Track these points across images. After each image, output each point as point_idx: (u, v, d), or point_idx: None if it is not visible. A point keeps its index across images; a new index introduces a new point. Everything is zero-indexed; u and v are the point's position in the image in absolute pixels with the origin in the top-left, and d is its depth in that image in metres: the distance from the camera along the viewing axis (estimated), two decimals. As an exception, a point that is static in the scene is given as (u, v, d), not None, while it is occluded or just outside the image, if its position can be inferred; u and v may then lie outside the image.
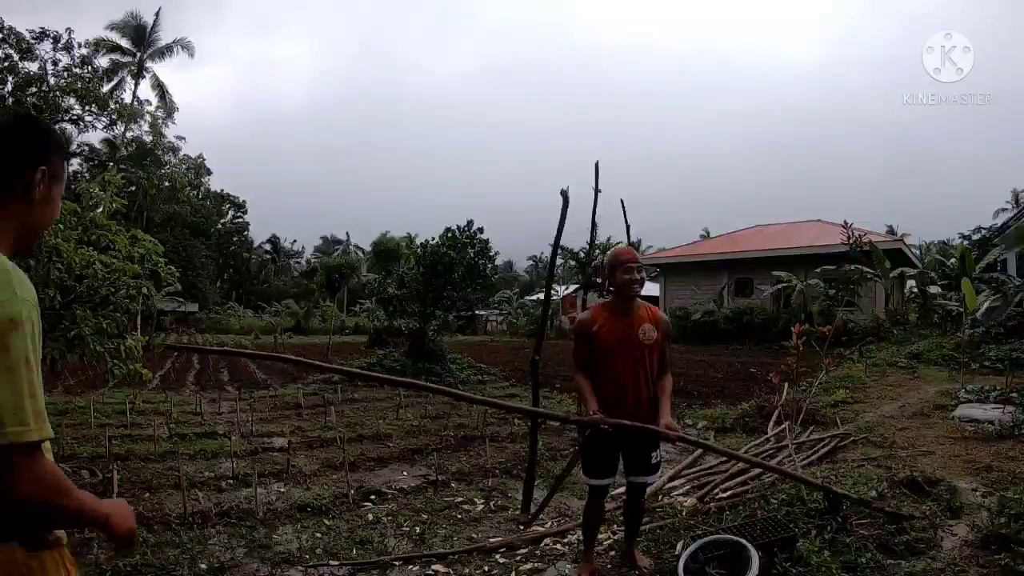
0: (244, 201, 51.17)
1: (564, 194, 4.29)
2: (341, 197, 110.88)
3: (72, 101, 22.94)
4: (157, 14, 33.88)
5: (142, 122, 33.24)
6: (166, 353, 20.00)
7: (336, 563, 3.52)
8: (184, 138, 38.70)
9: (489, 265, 14.33)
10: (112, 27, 32.91)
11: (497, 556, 3.66)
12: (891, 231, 34.67)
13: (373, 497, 4.80)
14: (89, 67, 23.92)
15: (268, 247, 58.95)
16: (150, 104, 34.39)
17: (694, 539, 3.25)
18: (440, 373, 12.61)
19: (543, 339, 4.70)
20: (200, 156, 41.40)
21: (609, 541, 3.84)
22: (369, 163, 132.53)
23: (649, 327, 3.18)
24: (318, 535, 3.95)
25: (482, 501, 4.75)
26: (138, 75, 33.52)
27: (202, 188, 44.54)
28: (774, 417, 6.63)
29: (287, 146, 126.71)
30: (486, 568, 3.51)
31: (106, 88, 28.95)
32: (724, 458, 5.28)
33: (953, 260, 21.95)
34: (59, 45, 22.29)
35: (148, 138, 35.37)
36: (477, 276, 13.96)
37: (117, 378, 5.36)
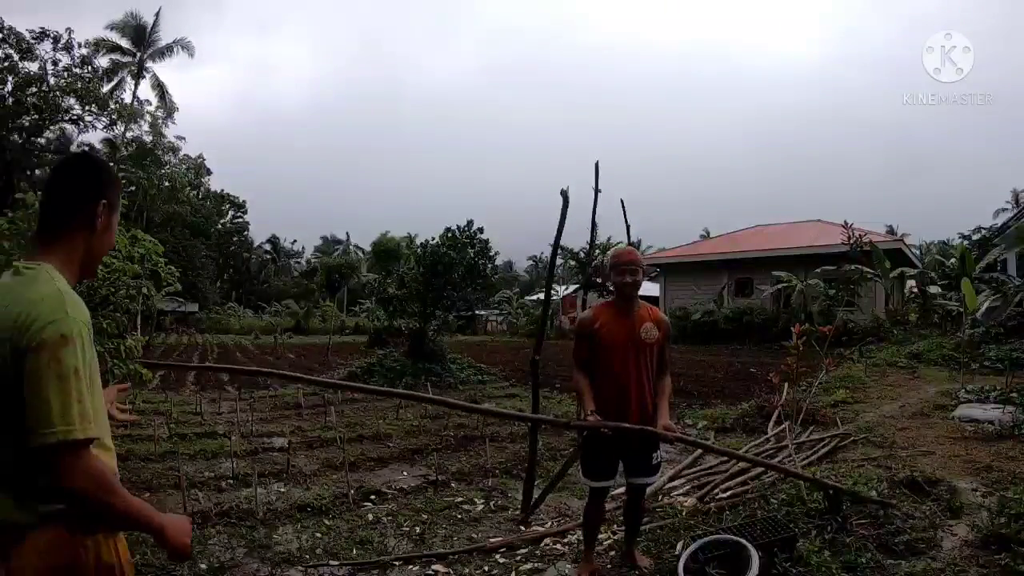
0: (244, 201, 51.24)
1: (564, 194, 4.29)
2: (341, 197, 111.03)
3: (72, 101, 22.95)
4: (157, 14, 33.93)
5: (142, 122, 33.25)
6: (166, 353, 20.02)
7: (336, 563, 3.52)
8: (184, 138, 38.73)
9: (489, 265, 14.32)
10: (112, 27, 32.95)
11: (497, 556, 3.66)
12: (891, 231, 34.66)
13: (373, 497, 4.80)
14: (89, 67, 23.95)
15: (268, 247, 58.96)
16: (150, 104, 34.43)
17: (694, 539, 3.25)
18: (440, 373, 12.61)
19: (543, 339, 4.70)
20: (200, 156, 41.42)
21: (609, 541, 3.84)
22: (369, 163, 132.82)
23: (650, 326, 3.19)
24: (318, 535, 3.95)
25: (482, 501, 4.74)
26: (138, 75, 33.53)
27: (202, 188, 44.56)
28: (774, 417, 6.62)
29: (287, 146, 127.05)
30: (486, 568, 3.51)
31: (106, 88, 28.97)
32: (724, 458, 5.28)
33: (953, 260, 21.96)
34: (59, 45, 22.32)
35: (148, 138, 35.36)
36: (477, 276, 13.95)
37: (117, 378, 5.35)
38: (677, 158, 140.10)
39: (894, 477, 4.57)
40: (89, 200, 1.41)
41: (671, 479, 4.90)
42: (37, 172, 28.79)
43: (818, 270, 19.75)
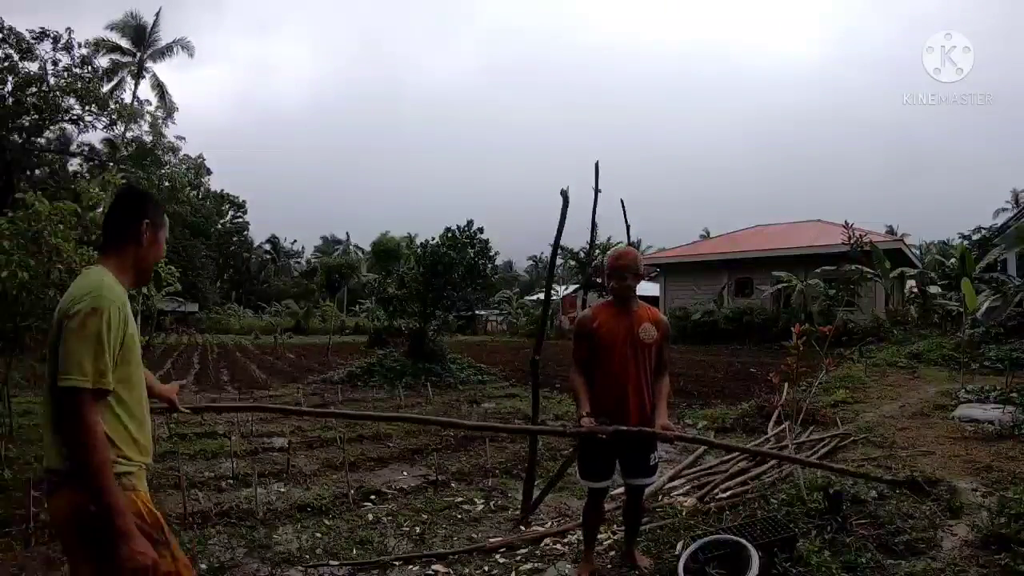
0: (244, 201, 51.23)
1: (564, 194, 4.29)
2: (341, 197, 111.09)
3: (72, 101, 22.90)
4: (157, 14, 33.87)
5: (142, 122, 33.14)
6: (166, 352, 20.01)
7: (336, 563, 3.52)
8: (184, 138, 38.56)
9: (489, 265, 14.31)
10: (112, 27, 32.88)
11: (497, 556, 3.66)
12: (891, 231, 34.66)
13: (373, 497, 4.80)
14: (89, 67, 23.88)
15: (268, 247, 58.97)
16: (150, 104, 34.30)
17: (694, 539, 3.25)
18: (440, 373, 12.61)
19: (543, 339, 4.69)
20: (200, 156, 41.27)
21: (609, 541, 3.84)
22: (369, 163, 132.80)
23: (649, 327, 3.18)
24: (318, 535, 3.95)
25: (482, 501, 4.74)
26: (138, 75, 33.50)
27: (202, 188, 44.45)
28: (774, 417, 6.63)
29: (287, 146, 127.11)
30: (486, 568, 3.51)
31: (106, 88, 28.94)
32: (724, 458, 5.28)
33: (953, 260, 21.97)
34: (59, 45, 22.25)
35: (148, 138, 35.29)
36: (477, 276, 13.95)
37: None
38: (677, 158, 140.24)
39: (894, 477, 4.57)
40: (134, 220, 1.81)
41: (671, 479, 4.90)
42: (37, 172, 28.77)
43: (818, 270, 19.75)
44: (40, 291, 5.22)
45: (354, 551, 3.69)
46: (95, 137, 30.94)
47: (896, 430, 6.71)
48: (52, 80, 22.34)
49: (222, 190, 48.76)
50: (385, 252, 42.73)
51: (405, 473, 5.56)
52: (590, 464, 3.23)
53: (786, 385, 6.75)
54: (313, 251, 62.02)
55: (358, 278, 48.19)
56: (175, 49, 34.30)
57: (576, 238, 31.09)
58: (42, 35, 22.13)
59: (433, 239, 14.07)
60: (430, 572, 3.46)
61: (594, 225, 4.91)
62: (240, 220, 52.60)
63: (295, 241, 64.25)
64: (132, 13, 33.32)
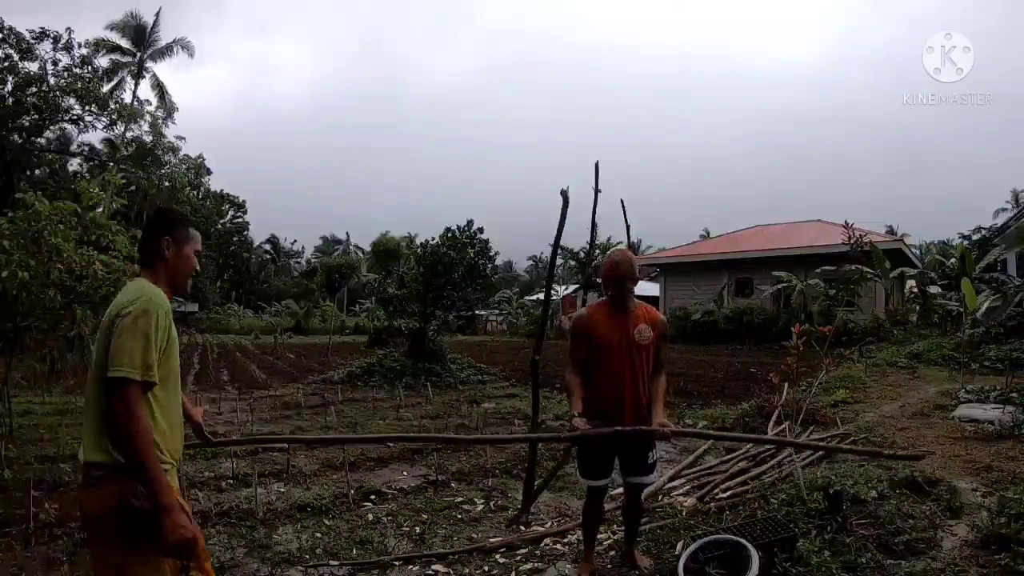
0: (244, 201, 51.15)
1: (564, 194, 4.29)
2: (341, 197, 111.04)
3: (72, 101, 22.92)
4: (157, 14, 33.83)
5: (142, 122, 33.15)
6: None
7: (336, 563, 3.52)
8: (184, 138, 38.60)
9: (489, 265, 14.31)
10: (112, 27, 32.85)
11: (497, 556, 3.66)
12: (891, 231, 34.67)
13: (373, 497, 4.80)
14: (89, 67, 23.90)
15: (268, 247, 58.91)
16: (150, 104, 34.31)
17: (694, 539, 3.25)
18: (440, 373, 12.61)
19: (543, 339, 4.69)
20: (200, 156, 41.30)
21: (609, 541, 3.84)
22: (369, 163, 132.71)
23: (645, 327, 3.17)
24: (318, 535, 3.95)
25: (482, 501, 4.74)
26: (138, 75, 33.47)
27: (202, 188, 44.43)
28: (774, 417, 6.62)
29: (287, 146, 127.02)
30: (486, 568, 3.51)
31: (106, 88, 28.93)
32: (724, 458, 5.28)
33: (953, 260, 21.97)
34: (59, 45, 22.27)
35: (148, 138, 35.30)
36: (477, 276, 13.94)
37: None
38: (677, 158, 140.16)
39: (894, 477, 4.58)
40: (156, 238, 1.99)
41: (671, 479, 4.90)
42: (37, 172, 28.78)
43: (818, 270, 19.75)
44: (40, 291, 5.22)
45: (354, 551, 3.69)
46: (95, 137, 31.01)
47: (896, 430, 6.71)
48: (52, 80, 22.36)
49: (222, 190, 48.73)
50: (385, 252, 42.70)
51: (405, 473, 5.56)
52: (589, 463, 3.23)
53: (786, 385, 6.74)
54: (313, 251, 62.05)
55: (358, 278, 48.18)
56: (175, 49, 34.28)
57: (576, 238, 31.07)
58: (42, 35, 22.16)
59: (433, 239, 14.08)
60: (430, 572, 3.46)
61: (594, 225, 4.91)
62: (240, 220, 52.55)
63: (295, 241, 64.26)
64: (132, 13, 33.31)
